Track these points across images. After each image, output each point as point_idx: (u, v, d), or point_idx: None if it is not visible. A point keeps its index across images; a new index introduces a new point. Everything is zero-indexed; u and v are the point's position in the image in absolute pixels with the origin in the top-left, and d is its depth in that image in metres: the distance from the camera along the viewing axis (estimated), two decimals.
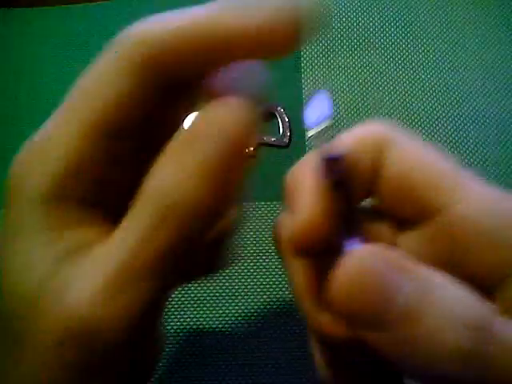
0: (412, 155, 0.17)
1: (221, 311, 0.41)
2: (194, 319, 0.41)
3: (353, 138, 0.17)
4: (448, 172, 0.17)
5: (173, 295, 0.42)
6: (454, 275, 0.15)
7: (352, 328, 0.15)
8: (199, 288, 0.42)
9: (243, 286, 0.42)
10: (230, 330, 0.41)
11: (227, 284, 0.42)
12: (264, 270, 0.43)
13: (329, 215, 0.16)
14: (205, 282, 0.42)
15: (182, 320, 0.41)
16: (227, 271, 0.43)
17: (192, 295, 0.42)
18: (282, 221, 0.20)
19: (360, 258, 0.14)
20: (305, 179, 0.17)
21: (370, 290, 0.14)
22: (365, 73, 0.49)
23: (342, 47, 0.50)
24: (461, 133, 0.47)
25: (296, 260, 0.19)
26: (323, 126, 0.15)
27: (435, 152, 0.18)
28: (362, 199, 0.19)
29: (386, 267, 0.14)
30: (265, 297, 0.42)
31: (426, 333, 0.14)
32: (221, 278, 0.42)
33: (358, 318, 0.14)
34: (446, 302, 0.14)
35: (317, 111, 0.15)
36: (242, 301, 0.42)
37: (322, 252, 0.17)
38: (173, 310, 0.41)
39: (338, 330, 0.17)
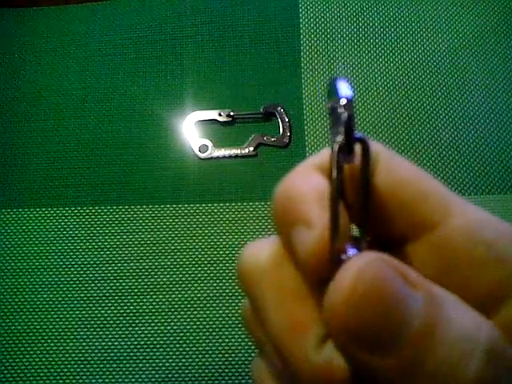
0: (402, 170, 0.16)
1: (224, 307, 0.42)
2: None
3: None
4: (439, 188, 0.16)
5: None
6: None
7: (349, 354, 0.13)
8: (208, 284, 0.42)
9: None
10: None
11: (227, 284, 0.42)
12: None
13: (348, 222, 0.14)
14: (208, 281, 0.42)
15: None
16: (227, 272, 0.43)
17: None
18: (251, 251, 0.17)
19: (365, 264, 0.12)
20: (311, 188, 0.15)
21: (377, 302, 0.12)
22: (365, 73, 0.49)
23: (342, 47, 0.50)
24: (461, 132, 0.47)
25: (281, 291, 0.15)
26: (348, 102, 0.14)
27: (422, 170, 0.16)
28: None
29: (394, 277, 0.12)
30: None
31: (443, 358, 0.12)
32: (221, 278, 0.43)
33: (361, 337, 0.12)
34: (462, 322, 0.12)
35: (345, 86, 0.14)
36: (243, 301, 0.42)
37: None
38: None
39: (339, 370, 0.14)
